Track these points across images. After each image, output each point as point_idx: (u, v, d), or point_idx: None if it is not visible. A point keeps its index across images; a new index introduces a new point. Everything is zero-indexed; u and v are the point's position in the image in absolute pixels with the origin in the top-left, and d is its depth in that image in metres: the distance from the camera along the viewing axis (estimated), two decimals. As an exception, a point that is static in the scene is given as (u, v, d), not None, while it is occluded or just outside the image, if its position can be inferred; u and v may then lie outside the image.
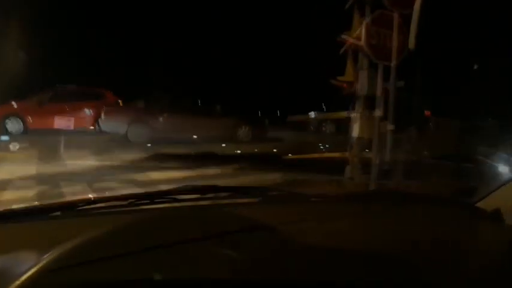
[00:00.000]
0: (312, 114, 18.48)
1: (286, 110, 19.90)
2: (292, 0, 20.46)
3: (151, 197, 1.02)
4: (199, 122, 12.68)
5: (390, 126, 8.11)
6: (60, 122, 13.41)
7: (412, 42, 0.91)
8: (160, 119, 12.69)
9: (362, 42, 7.68)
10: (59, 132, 12.40)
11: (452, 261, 0.81)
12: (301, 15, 20.37)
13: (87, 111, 13.84)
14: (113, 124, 12.57)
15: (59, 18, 19.28)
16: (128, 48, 22.04)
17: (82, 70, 18.30)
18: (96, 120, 13.19)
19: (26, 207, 0.97)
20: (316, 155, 19.76)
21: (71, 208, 0.96)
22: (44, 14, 17.09)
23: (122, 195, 1.02)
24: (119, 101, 14.46)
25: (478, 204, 1.12)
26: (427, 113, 12.06)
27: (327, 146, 11.86)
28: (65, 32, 19.78)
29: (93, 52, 20.36)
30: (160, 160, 8.89)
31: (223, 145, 11.58)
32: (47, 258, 0.57)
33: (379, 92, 6.93)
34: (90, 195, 1.04)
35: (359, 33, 7.69)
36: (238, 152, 10.76)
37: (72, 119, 13.56)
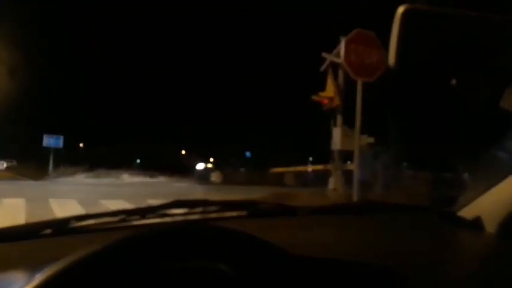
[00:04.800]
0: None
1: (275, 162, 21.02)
2: (273, 61, 21.54)
3: (142, 212, 1.03)
4: None
5: (369, 139, 8.30)
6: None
7: (392, 58, 0.92)
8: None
9: (336, 102, 7.98)
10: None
11: (435, 270, 0.83)
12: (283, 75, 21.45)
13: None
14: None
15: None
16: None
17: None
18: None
19: (15, 226, 0.96)
20: (300, 168, 20.42)
21: (61, 226, 0.95)
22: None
23: (113, 211, 1.01)
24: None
25: (459, 213, 1.15)
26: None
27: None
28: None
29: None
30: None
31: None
32: (38, 277, 0.57)
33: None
34: (81, 212, 1.03)
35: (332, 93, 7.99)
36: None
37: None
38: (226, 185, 16.40)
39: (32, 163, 18.70)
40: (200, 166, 18.59)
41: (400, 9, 0.74)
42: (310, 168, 18.56)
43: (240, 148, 23.13)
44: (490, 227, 1.06)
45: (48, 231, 0.93)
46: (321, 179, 17.18)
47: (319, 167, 11.40)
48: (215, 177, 17.80)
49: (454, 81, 0.79)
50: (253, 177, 17.21)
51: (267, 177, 17.17)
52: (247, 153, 21.32)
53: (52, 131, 19.93)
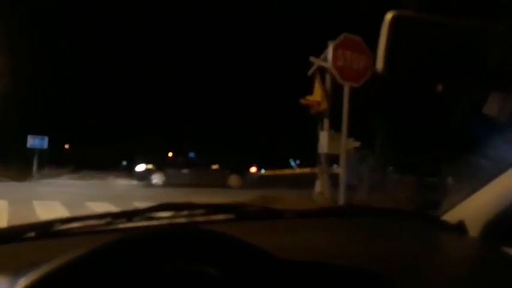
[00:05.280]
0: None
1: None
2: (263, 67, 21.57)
3: (128, 215, 1.02)
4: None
5: (356, 143, 8.39)
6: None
7: (380, 64, 0.91)
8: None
9: (323, 106, 8.07)
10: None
11: (419, 274, 0.84)
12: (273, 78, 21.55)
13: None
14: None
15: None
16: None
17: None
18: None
19: None
20: (288, 171, 20.37)
21: (45, 229, 0.94)
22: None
23: (99, 214, 1.00)
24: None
25: (443, 217, 1.17)
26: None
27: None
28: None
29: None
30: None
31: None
32: (22, 282, 0.55)
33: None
34: (66, 215, 1.01)
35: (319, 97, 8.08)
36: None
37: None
38: (168, 186, 16.07)
39: (16, 164, 18.36)
40: (140, 167, 17.98)
41: (388, 16, 0.75)
42: (254, 169, 18.84)
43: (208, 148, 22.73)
44: (473, 231, 1.08)
45: (32, 234, 0.91)
46: (265, 182, 17.51)
47: (306, 170, 11.46)
48: (156, 178, 17.20)
49: (440, 87, 0.80)
50: (197, 179, 16.81)
51: (211, 179, 16.90)
52: (191, 154, 20.71)
53: (37, 132, 19.65)
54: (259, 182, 17.81)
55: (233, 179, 17.49)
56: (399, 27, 0.75)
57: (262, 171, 22.99)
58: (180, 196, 11.60)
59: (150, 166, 17.69)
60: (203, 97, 27.20)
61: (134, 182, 17.81)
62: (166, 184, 16.74)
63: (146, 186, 16.66)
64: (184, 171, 17.60)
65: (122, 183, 18.91)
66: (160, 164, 17.72)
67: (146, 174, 17.50)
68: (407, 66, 0.77)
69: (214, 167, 18.07)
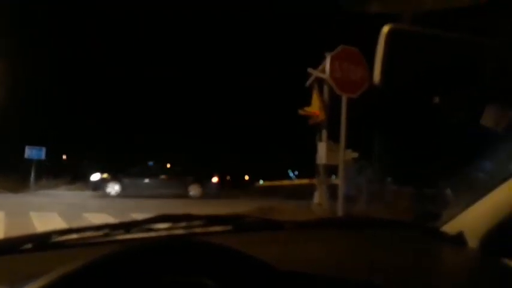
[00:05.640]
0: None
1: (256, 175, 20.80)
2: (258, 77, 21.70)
3: (126, 227, 1.01)
4: None
5: (354, 154, 8.42)
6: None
7: (377, 76, 0.93)
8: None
9: (321, 117, 8.14)
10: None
11: (418, 285, 0.84)
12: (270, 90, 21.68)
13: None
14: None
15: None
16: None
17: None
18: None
19: None
20: (286, 182, 20.14)
21: (43, 240, 0.93)
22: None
23: (96, 225, 1.00)
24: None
25: (442, 229, 1.17)
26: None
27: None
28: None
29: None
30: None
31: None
32: None
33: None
34: (64, 226, 1.00)
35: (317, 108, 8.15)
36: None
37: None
38: (124, 197, 15.07)
39: (13, 175, 18.23)
40: (95, 177, 16.84)
41: (385, 29, 0.76)
42: (216, 178, 17.84)
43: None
44: (472, 242, 1.08)
45: (29, 246, 0.90)
46: (224, 190, 17.35)
47: (305, 181, 11.39)
48: (111, 188, 16.14)
49: (436, 100, 0.81)
50: (156, 189, 16.03)
51: (171, 189, 16.07)
52: (150, 163, 19.73)
53: (34, 143, 19.60)
54: (217, 190, 17.10)
55: (194, 189, 16.60)
56: (396, 40, 0.76)
57: (261, 182, 22.78)
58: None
59: (105, 175, 16.62)
60: (199, 102, 27.19)
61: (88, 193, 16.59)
62: (122, 195, 15.66)
63: (101, 196, 15.62)
64: (143, 180, 16.55)
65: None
66: (116, 173, 16.62)
67: (101, 183, 16.42)
68: (404, 79, 0.78)
69: (163, 176, 17.00)
